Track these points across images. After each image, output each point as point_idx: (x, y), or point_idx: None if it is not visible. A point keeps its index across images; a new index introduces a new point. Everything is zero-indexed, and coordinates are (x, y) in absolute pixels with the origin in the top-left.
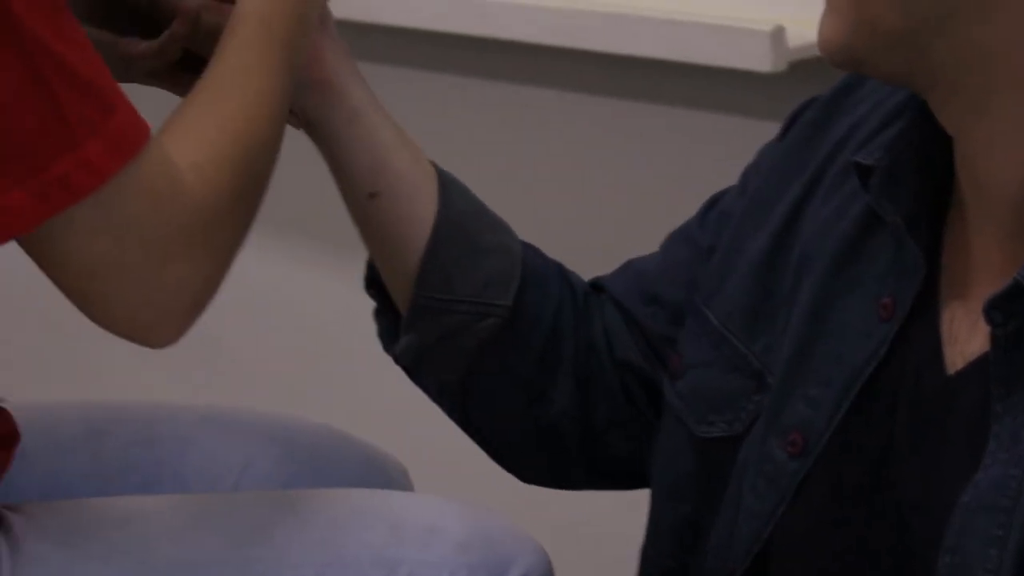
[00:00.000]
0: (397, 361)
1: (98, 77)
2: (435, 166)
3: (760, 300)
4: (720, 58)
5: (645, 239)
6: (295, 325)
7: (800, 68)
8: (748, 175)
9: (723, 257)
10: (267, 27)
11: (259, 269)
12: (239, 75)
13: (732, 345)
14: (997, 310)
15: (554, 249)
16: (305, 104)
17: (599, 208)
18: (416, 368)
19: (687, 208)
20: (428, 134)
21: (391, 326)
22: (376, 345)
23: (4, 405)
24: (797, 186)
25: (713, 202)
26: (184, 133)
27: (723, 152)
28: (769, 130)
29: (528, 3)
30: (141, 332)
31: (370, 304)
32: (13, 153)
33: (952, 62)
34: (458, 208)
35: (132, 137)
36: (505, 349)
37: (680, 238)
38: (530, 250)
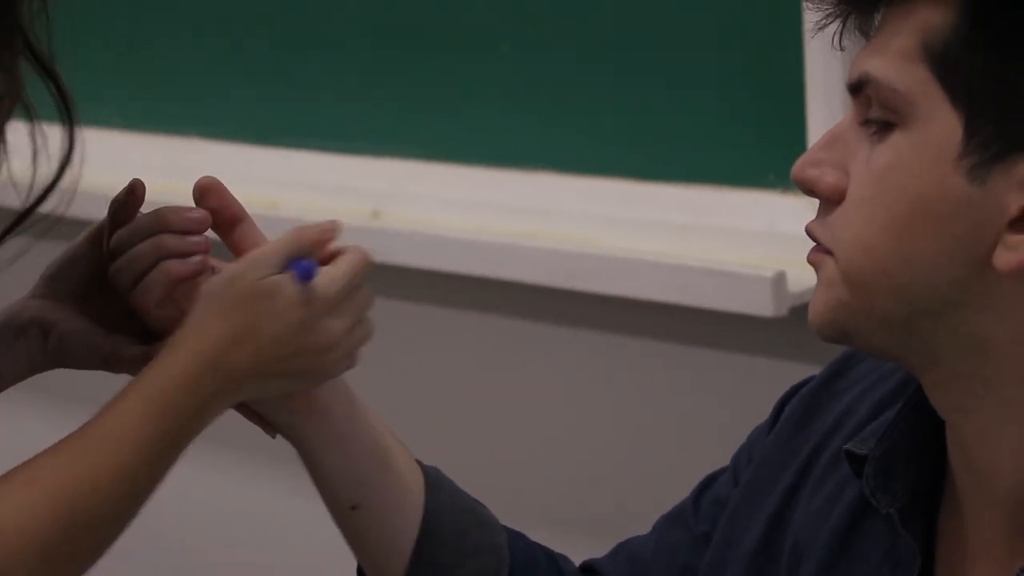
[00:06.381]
0: None
1: None
2: (422, 466)
3: None
4: (723, 302)
5: (651, 476)
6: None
7: (802, 312)
8: (739, 460)
9: (719, 547)
10: (151, 403)
11: None
12: (95, 444)
13: None
14: None
15: (554, 481)
16: (283, 422)
17: (603, 444)
18: None
19: (691, 444)
20: (434, 369)
21: None
22: None
23: None
24: (788, 474)
25: (706, 485)
26: (10, 491)
27: (727, 393)
28: (771, 370)
29: (552, 247)
30: None
31: None
32: None
33: (951, 348)
34: (443, 512)
35: None
36: None
37: (674, 523)
38: (517, 540)
